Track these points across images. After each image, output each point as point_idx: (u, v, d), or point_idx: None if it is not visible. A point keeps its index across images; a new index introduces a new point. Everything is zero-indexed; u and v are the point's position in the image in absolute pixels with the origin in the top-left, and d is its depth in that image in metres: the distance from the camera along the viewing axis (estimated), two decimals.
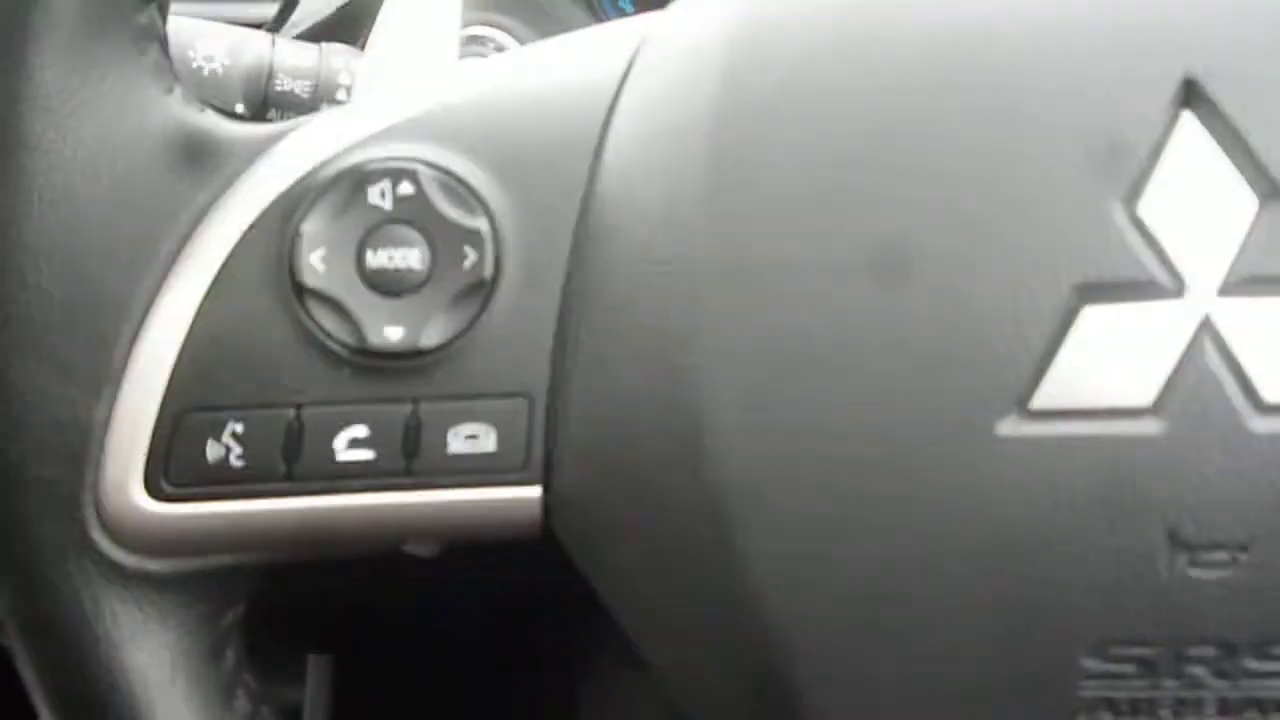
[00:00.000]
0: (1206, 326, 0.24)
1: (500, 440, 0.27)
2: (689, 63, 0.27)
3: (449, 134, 0.28)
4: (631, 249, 0.27)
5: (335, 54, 0.44)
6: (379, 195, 0.27)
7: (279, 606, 0.34)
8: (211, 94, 0.42)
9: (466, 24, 0.65)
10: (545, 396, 0.27)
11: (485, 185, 0.28)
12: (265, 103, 0.42)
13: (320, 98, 0.42)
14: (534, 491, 0.27)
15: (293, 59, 0.43)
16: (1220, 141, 0.24)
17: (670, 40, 0.28)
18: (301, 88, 0.42)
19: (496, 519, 0.28)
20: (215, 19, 0.54)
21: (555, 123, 0.28)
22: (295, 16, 0.59)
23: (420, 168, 0.27)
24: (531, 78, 0.29)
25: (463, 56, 0.65)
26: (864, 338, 0.25)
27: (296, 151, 0.28)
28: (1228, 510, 0.24)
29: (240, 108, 0.42)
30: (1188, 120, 0.24)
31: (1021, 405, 0.24)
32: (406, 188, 0.27)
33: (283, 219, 0.27)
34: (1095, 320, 0.24)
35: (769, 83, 0.26)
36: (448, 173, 0.28)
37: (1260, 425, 0.23)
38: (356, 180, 0.27)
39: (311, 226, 0.27)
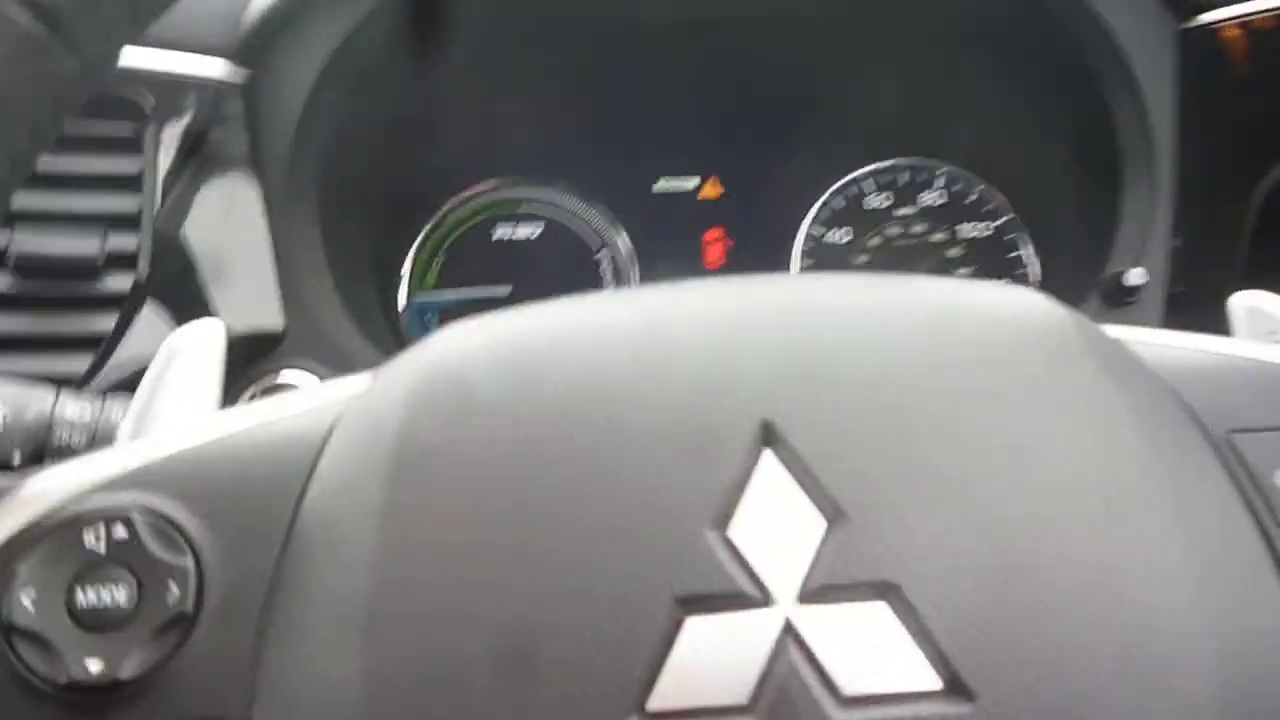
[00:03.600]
0: (789, 631, 0.28)
1: None
2: (373, 435, 0.32)
3: (165, 482, 0.32)
4: (318, 592, 0.30)
5: (116, 405, 0.47)
6: (93, 538, 0.31)
7: None
8: None
9: (275, 369, 0.71)
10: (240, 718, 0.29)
11: (194, 527, 0.31)
12: (43, 453, 0.45)
13: (95, 447, 0.46)
14: None
15: (73, 413, 0.46)
16: (794, 474, 0.29)
17: (362, 413, 0.33)
18: (77, 440, 0.45)
19: None
20: (27, 374, 0.58)
21: (262, 474, 0.32)
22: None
23: (135, 513, 0.31)
24: (245, 433, 0.34)
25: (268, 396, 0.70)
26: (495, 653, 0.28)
27: (26, 498, 0.32)
28: None
29: (17, 458, 0.45)
30: (768, 457, 0.30)
31: (640, 709, 0.27)
32: (120, 531, 0.31)
33: (2, 561, 0.30)
34: (697, 629, 0.28)
35: (428, 483, 0.30)
36: (160, 516, 0.31)
37: (840, 716, 0.27)
38: (75, 525, 0.31)
39: (26, 568, 0.30)
